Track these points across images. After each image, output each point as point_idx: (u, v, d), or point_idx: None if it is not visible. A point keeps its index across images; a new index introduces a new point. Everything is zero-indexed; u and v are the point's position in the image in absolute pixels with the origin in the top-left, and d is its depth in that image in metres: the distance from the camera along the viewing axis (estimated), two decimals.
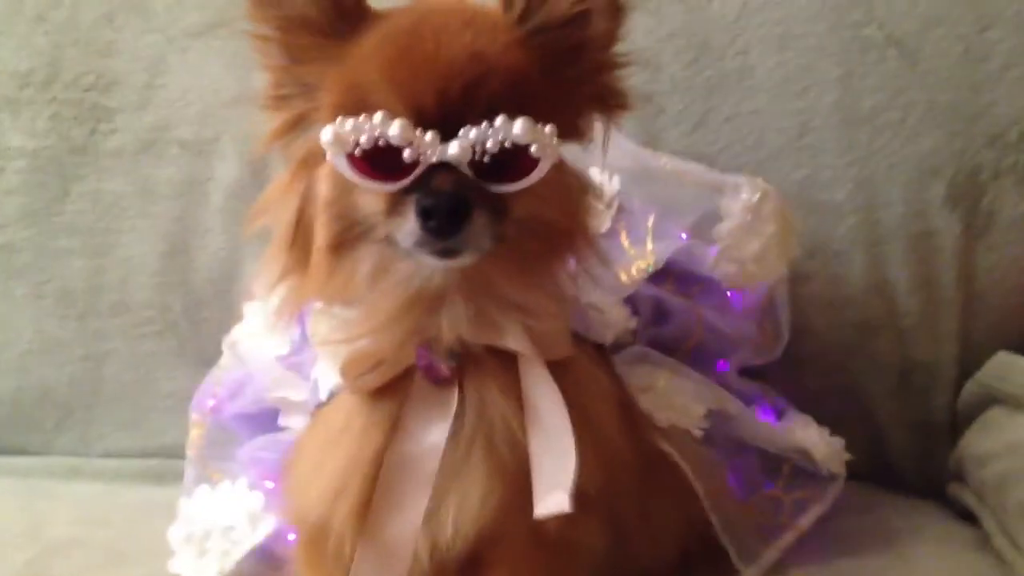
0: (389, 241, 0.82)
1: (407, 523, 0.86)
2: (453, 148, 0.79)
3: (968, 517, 1.27)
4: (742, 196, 1.17)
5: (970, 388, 1.36)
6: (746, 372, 1.23)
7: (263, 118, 0.88)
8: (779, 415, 1.22)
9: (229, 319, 1.23)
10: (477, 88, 0.80)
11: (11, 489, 1.41)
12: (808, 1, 1.39)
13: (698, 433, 1.08)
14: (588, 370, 0.95)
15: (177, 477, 1.19)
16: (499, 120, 0.79)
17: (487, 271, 0.84)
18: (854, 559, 1.15)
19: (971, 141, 1.37)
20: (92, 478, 1.45)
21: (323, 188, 0.84)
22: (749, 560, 1.09)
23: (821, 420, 1.22)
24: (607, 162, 1.04)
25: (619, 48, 0.89)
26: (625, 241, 1.15)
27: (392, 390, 0.88)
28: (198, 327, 1.49)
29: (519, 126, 0.79)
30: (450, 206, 0.78)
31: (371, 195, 0.82)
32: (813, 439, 1.19)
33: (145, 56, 1.50)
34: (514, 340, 0.86)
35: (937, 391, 1.40)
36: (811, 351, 1.37)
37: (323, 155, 0.81)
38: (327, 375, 0.94)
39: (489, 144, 0.79)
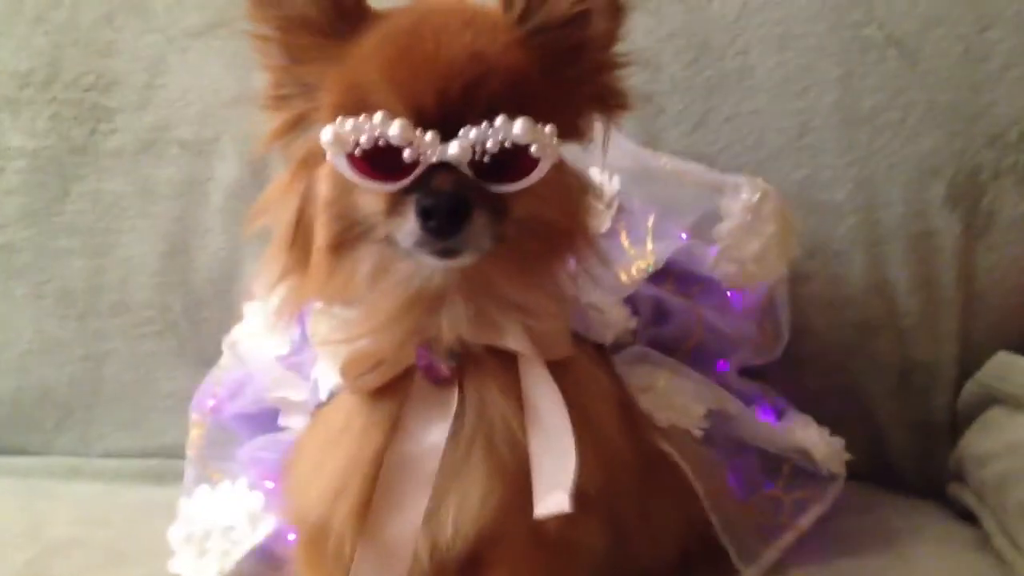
0: (389, 241, 0.82)
1: (407, 523, 0.86)
2: (453, 148, 0.79)
3: (968, 517, 1.27)
4: (742, 196, 1.17)
5: (970, 388, 1.36)
6: (746, 372, 1.23)
7: (263, 118, 0.88)
8: (779, 415, 1.22)
9: (229, 319, 1.23)
10: (477, 88, 0.80)
11: (11, 489, 1.41)
12: (808, 1, 1.39)
13: (698, 433, 1.08)
14: (588, 370, 0.95)
15: (177, 477, 1.19)
16: (499, 120, 0.79)
17: (487, 271, 0.84)
18: (854, 559, 1.15)
19: (971, 141, 1.37)
20: (92, 478, 1.45)
21: (323, 188, 0.84)
22: (749, 560, 1.09)
23: (821, 420, 1.22)
24: (607, 162, 1.04)
25: (619, 48, 0.89)
26: (625, 241, 1.15)
27: (392, 390, 0.88)
28: (198, 327, 1.48)
29: (519, 126, 0.79)
30: (450, 206, 0.78)
31: (371, 195, 0.82)
32: (813, 439, 1.19)
33: (145, 56, 1.50)
34: (514, 340, 0.86)
35: (937, 391, 1.40)
36: (811, 351, 1.37)
37: (323, 155, 0.81)
38: (327, 375, 0.94)
39: (489, 144, 0.79)
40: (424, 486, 0.86)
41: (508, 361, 0.88)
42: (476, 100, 0.80)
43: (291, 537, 1.03)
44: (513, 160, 0.80)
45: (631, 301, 1.12)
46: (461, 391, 0.87)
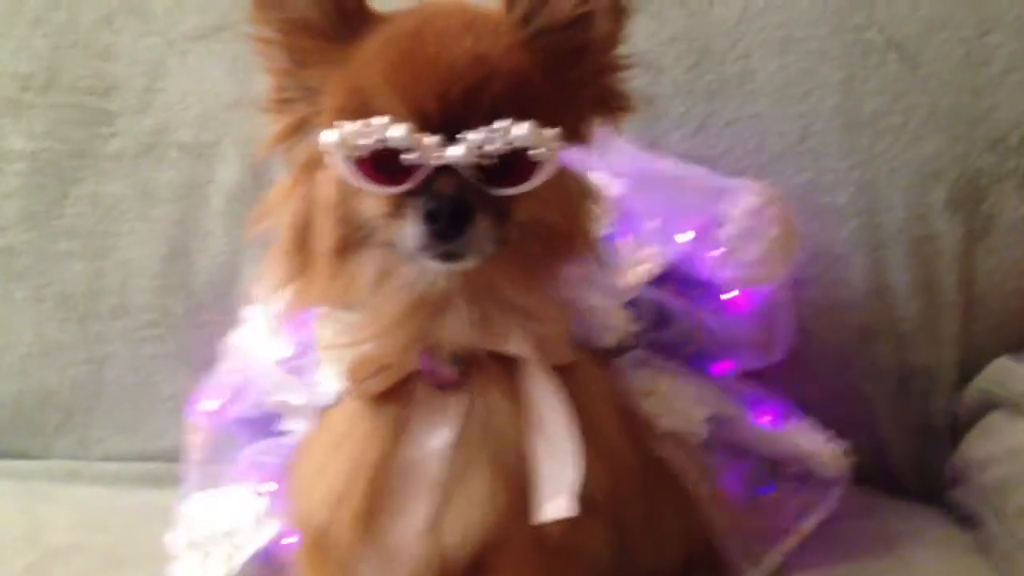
0: (392, 245, 0.82)
1: (410, 528, 0.86)
2: (455, 151, 0.78)
3: (968, 522, 1.27)
4: (744, 200, 1.16)
5: (970, 393, 1.36)
6: (747, 376, 1.22)
7: (264, 121, 0.88)
8: (780, 419, 1.22)
9: (230, 322, 1.22)
10: (479, 91, 0.80)
11: (11, 492, 1.40)
12: (809, 5, 1.39)
13: (700, 438, 1.08)
14: (590, 374, 0.95)
15: (177, 481, 1.18)
16: (502, 123, 0.78)
17: (490, 275, 0.83)
18: (854, 563, 1.15)
19: (972, 145, 1.37)
20: (92, 482, 1.45)
21: (325, 192, 0.84)
22: (751, 565, 1.08)
23: (821, 423, 1.22)
24: (608, 165, 1.04)
25: (621, 51, 0.89)
26: (626, 245, 1.15)
27: (396, 395, 0.88)
28: (199, 330, 1.48)
29: (522, 129, 0.79)
30: (452, 209, 0.78)
31: (374, 199, 0.82)
32: (815, 443, 1.19)
33: (145, 59, 1.49)
34: (517, 344, 0.86)
35: (937, 395, 1.40)
36: (811, 355, 1.37)
37: (325, 159, 0.81)
38: (330, 379, 0.94)
39: (491, 147, 0.79)
40: (428, 491, 0.85)
41: (511, 366, 0.87)
42: (478, 103, 0.80)
43: (292, 540, 1.02)
44: (515, 163, 0.80)
45: (632, 305, 1.11)
46: (465, 396, 0.87)
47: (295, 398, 1.07)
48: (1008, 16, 1.36)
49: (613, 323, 1.08)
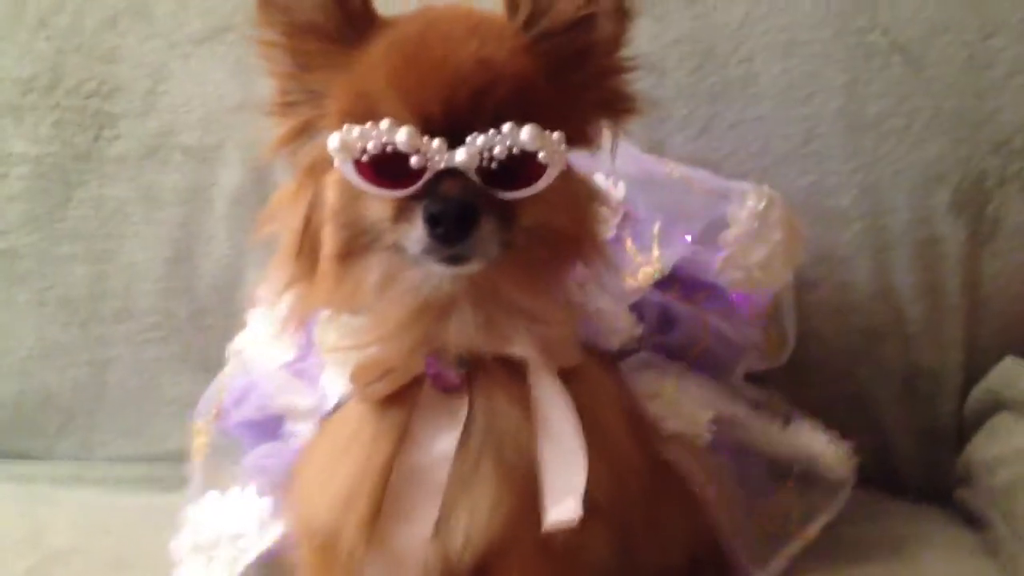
0: (397, 249, 0.82)
1: (416, 533, 0.85)
2: (460, 155, 0.78)
3: (974, 523, 1.26)
4: (749, 203, 1.16)
5: (976, 394, 1.36)
6: (752, 378, 1.22)
7: (269, 125, 0.88)
8: (786, 421, 1.21)
9: (233, 325, 1.22)
10: (484, 95, 0.80)
11: (12, 495, 1.40)
12: (813, 8, 1.39)
13: (705, 440, 1.08)
14: (597, 378, 0.94)
15: (180, 484, 1.18)
16: (507, 127, 0.78)
17: (495, 278, 0.83)
18: (860, 565, 1.14)
19: (976, 148, 1.37)
20: (94, 484, 1.44)
21: (330, 195, 0.84)
22: (757, 568, 1.08)
23: (827, 426, 1.22)
24: (611, 167, 1.04)
25: (625, 52, 0.89)
26: (631, 248, 1.15)
27: (401, 399, 0.88)
28: (202, 333, 1.48)
29: (527, 133, 0.79)
30: (458, 212, 0.78)
31: (379, 202, 0.81)
32: (820, 445, 1.18)
33: (148, 62, 1.49)
34: (523, 348, 0.86)
35: (943, 397, 1.40)
36: (817, 357, 1.37)
37: (330, 162, 0.81)
38: (335, 383, 0.94)
39: (497, 151, 0.79)
40: (433, 496, 0.85)
41: (517, 370, 0.87)
42: (483, 107, 0.80)
43: (295, 545, 1.02)
44: (521, 167, 0.80)
45: (637, 307, 1.11)
46: (470, 400, 0.87)
47: (299, 401, 1.07)
48: (1012, 19, 1.36)
49: (618, 326, 1.08)
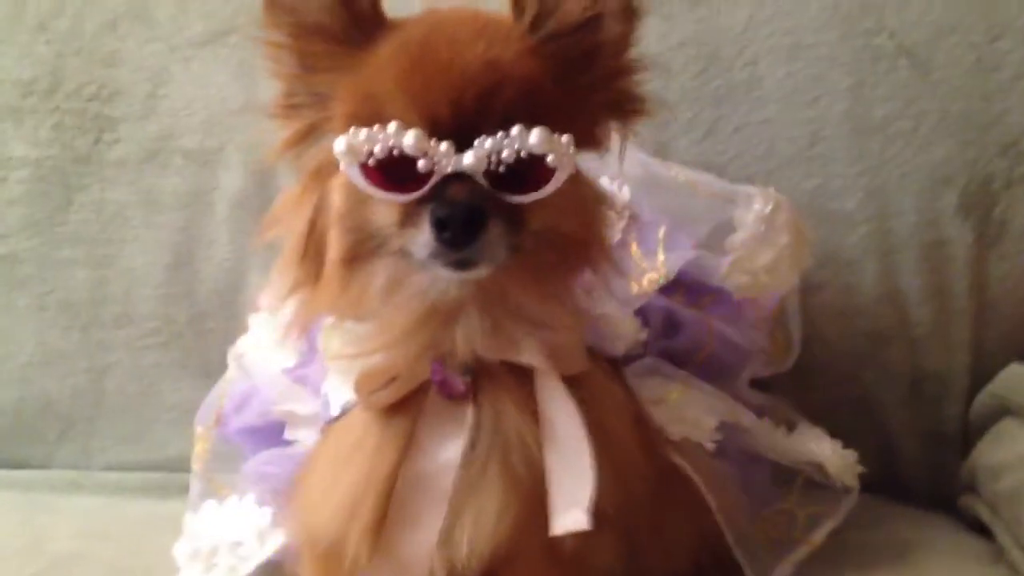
0: (403, 253, 0.81)
1: (422, 541, 0.85)
2: (468, 158, 0.78)
3: (980, 529, 1.26)
4: (755, 207, 1.16)
5: (982, 399, 1.36)
6: (757, 383, 1.22)
7: (272, 127, 0.87)
8: (790, 427, 1.21)
9: (234, 331, 1.21)
10: (491, 97, 0.79)
11: (12, 503, 1.39)
12: (818, 11, 1.38)
13: (710, 446, 1.07)
14: (603, 384, 0.94)
15: (180, 491, 1.18)
16: (515, 130, 0.78)
17: (503, 283, 0.83)
18: (867, 571, 1.14)
19: (983, 150, 1.36)
20: (94, 492, 1.44)
21: (336, 199, 0.83)
22: (762, 575, 1.07)
23: (832, 430, 1.21)
24: (617, 171, 1.03)
25: (632, 53, 0.88)
26: (636, 252, 1.14)
27: (406, 406, 0.87)
28: (202, 339, 1.47)
29: (535, 136, 0.78)
30: (465, 216, 0.77)
31: (385, 206, 0.81)
32: (826, 452, 1.18)
33: (149, 65, 1.49)
34: (529, 354, 0.85)
35: (949, 401, 1.40)
36: (822, 361, 1.37)
37: (336, 166, 0.81)
38: (338, 390, 0.93)
39: (505, 154, 0.78)
40: (439, 503, 0.85)
41: (523, 376, 0.87)
42: (491, 110, 0.79)
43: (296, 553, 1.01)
44: (529, 170, 0.79)
45: (641, 312, 1.11)
46: (476, 406, 0.86)
47: (301, 407, 1.07)
48: (1018, 22, 1.36)
49: (623, 331, 1.07)
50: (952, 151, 1.37)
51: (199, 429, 1.15)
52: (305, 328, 0.90)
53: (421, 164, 0.77)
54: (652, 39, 0.91)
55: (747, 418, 1.13)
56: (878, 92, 1.37)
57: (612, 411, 0.92)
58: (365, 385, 0.87)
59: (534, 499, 0.84)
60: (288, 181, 0.93)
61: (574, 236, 0.85)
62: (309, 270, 0.85)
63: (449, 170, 0.78)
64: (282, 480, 1.03)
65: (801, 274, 1.22)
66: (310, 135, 0.85)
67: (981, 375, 1.37)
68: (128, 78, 1.49)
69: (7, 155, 1.50)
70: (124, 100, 1.49)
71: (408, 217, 0.79)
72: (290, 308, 0.89)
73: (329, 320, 0.91)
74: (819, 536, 1.14)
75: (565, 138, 0.79)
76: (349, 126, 0.79)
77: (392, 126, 0.77)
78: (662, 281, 1.11)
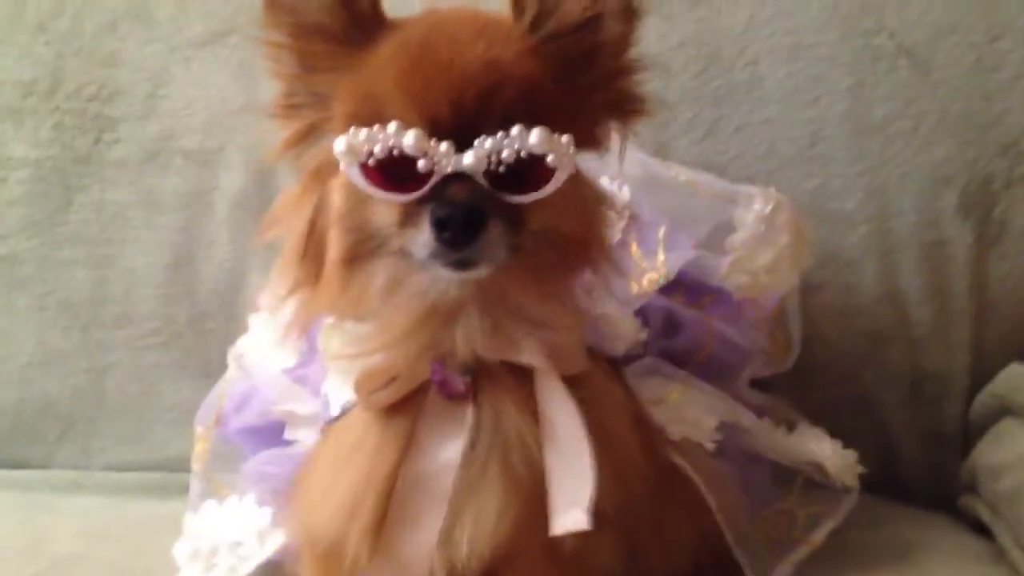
0: (403, 253, 0.81)
1: (422, 541, 0.85)
2: (468, 158, 0.78)
3: (980, 529, 1.26)
4: (755, 207, 1.16)
5: (983, 399, 1.36)
6: (757, 383, 1.22)
7: (272, 127, 0.87)
8: (790, 427, 1.21)
9: (234, 331, 1.22)
10: (491, 97, 0.79)
11: (12, 503, 1.39)
12: (819, 11, 1.38)
13: (710, 446, 1.07)
14: (603, 384, 0.94)
15: (181, 491, 1.17)
16: (515, 130, 0.78)
17: (503, 283, 0.83)
18: (867, 571, 1.14)
19: (983, 150, 1.36)
20: (94, 492, 1.44)
21: (336, 199, 0.83)
22: (763, 575, 1.07)
23: (832, 430, 1.21)
24: (618, 171, 1.03)
25: (632, 53, 0.88)
26: (636, 252, 1.14)
27: (406, 406, 0.87)
28: (203, 339, 1.47)
29: (535, 136, 0.78)
30: (465, 216, 0.77)
31: (385, 206, 0.81)
32: (826, 452, 1.17)
33: (149, 66, 1.49)
34: (530, 354, 0.85)
35: (949, 401, 1.40)
36: (822, 361, 1.37)
37: (336, 166, 0.81)
38: (338, 390, 0.93)
39: (505, 154, 0.78)
40: (439, 503, 0.84)
41: (523, 376, 0.87)
42: (491, 110, 0.79)
43: (296, 553, 1.01)
44: (529, 170, 0.79)
45: (641, 312, 1.11)
46: (476, 406, 0.86)
47: (301, 407, 1.07)
48: (1018, 22, 1.36)
49: (623, 331, 1.07)
50: (952, 151, 1.37)
51: (199, 429, 1.15)
52: (305, 328, 0.91)
53: (421, 164, 0.77)
54: (652, 39, 0.91)
55: (747, 418, 1.13)
56: (878, 92, 1.37)
57: (612, 411, 0.92)
58: (365, 385, 0.87)
59: (534, 499, 0.84)
60: (288, 181, 0.93)
61: (574, 236, 0.85)
62: (309, 270, 0.85)
63: (449, 170, 0.78)
64: (282, 480, 1.03)
65: (801, 274, 1.22)
66: (310, 135, 0.85)
67: (981, 375, 1.37)
68: (128, 78, 1.49)
69: (7, 155, 1.50)
70: (124, 100, 1.49)
71: (408, 217, 0.79)
72: (290, 308, 0.89)
73: (329, 320, 0.91)
74: (819, 536, 1.14)
75: (565, 138, 0.79)
76: (349, 126, 0.79)
77: (392, 126, 0.77)
78: (662, 281, 1.11)
